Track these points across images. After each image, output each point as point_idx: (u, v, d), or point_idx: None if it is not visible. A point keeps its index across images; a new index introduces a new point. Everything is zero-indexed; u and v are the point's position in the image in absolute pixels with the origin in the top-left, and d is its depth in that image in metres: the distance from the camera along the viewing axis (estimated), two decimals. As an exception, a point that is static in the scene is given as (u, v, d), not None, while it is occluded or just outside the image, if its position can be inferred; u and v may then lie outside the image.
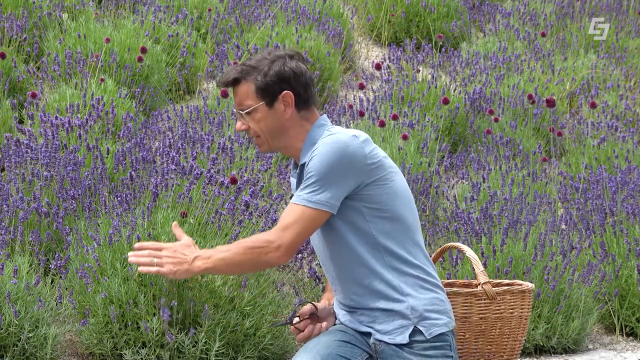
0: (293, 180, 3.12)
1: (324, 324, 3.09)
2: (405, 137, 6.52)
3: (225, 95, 6.38)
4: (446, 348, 2.95)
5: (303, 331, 3.07)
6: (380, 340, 2.96)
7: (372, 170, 2.92)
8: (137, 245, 2.92)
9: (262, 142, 3.04)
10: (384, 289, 2.94)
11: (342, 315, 3.07)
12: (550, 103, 6.90)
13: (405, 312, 2.94)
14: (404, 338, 2.94)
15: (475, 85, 7.83)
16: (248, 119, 3.02)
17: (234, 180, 4.67)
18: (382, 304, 2.96)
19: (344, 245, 2.96)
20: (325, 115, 3.08)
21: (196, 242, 4.54)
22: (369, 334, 2.99)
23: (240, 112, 3.03)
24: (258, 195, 4.70)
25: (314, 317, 3.09)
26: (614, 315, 5.59)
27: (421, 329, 2.93)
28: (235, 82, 3.03)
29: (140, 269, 2.89)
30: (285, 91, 3.02)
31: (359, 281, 2.97)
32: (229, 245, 2.92)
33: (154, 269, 2.90)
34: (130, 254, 2.90)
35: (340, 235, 2.96)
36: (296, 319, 3.06)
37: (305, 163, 2.99)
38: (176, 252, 2.91)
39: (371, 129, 6.77)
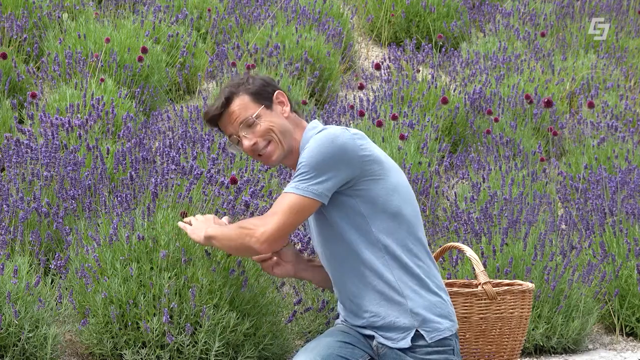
0: None
1: (277, 262, 3.19)
2: (402, 137, 6.51)
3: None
4: (449, 352, 2.94)
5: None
6: (383, 344, 2.95)
7: (365, 162, 2.88)
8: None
9: (274, 147, 2.99)
10: (384, 290, 2.92)
11: (344, 314, 3.07)
12: (548, 103, 6.91)
13: (407, 316, 2.92)
14: (406, 343, 2.92)
15: (475, 85, 7.83)
16: (254, 131, 2.98)
17: (234, 180, 4.67)
18: (383, 308, 2.94)
19: (344, 244, 2.93)
20: (316, 120, 3.07)
21: (196, 242, 4.55)
22: (372, 337, 2.98)
23: (246, 125, 2.99)
24: (258, 195, 4.70)
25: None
26: (614, 315, 5.59)
27: (423, 333, 2.92)
28: (228, 102, 3.00)
29: (179, 223, 3.26)
30: (277, 91, 3.03)
31: (358, 281, 2.94)
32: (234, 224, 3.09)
33: (188, 228, 3.21)
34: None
35: (339, 234, 2.93)
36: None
37: None
38: (205, 221, 3.17)
39: (371, 129, 6.77)
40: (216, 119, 3.05)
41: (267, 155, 3.01)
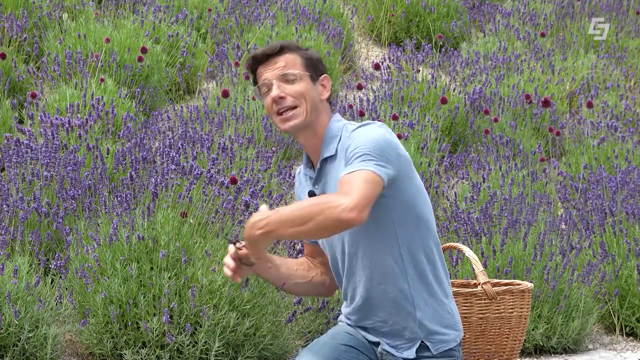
0: (305, 179, 3.04)
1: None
2: (398, 137, 6.51)
3: (226, 95, 6.38)
4: None
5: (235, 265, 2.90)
6: (388, 352, 2.94)
7: (402, 162, 2.84)
8: None
9: (299, 112, 2.90)
10: (396, 297, 2.89)
11: (348, 317, 3.05)
12: (545, 103, 6.92)
13: (414, 327, 2.89)
14: (410, 353, 2.90)
15: (475, 85, 7.83)
16: (289, 86, 2.91)
17: (234, 180, 4.67)
18: (392, 315, 2.91)
19: (366, 246, 2.88)
20: (338, 114, 3.04)
21: (196, 242, 4.55)
22: (376, 343, 2.97)
23: (285, 79, 2.91)
24: (258, 195, 4.70)
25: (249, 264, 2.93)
26: (614, 315, 5.59)
27: (428, 344, 2.90)
28: (281, 50, 2.93)
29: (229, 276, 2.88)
30: (325, 75, 3.00)
31: (372, 286, 2.91)
32: (290, 205, 2.76)
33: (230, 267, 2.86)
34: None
35: (365, 235, 2.88)
36: (240, 244, 2.87)
37: (328, 157, 2.92)
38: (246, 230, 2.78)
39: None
40: (260, 60, 2.95)
41: (288, 117, 2.91)
